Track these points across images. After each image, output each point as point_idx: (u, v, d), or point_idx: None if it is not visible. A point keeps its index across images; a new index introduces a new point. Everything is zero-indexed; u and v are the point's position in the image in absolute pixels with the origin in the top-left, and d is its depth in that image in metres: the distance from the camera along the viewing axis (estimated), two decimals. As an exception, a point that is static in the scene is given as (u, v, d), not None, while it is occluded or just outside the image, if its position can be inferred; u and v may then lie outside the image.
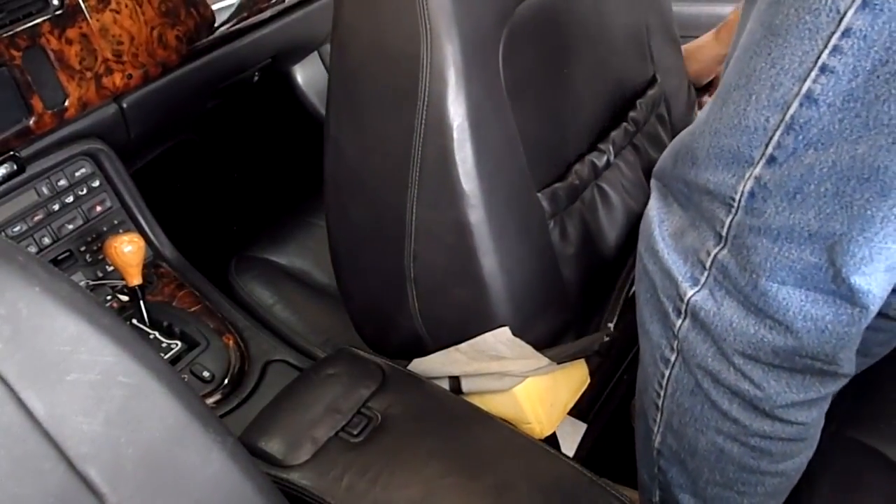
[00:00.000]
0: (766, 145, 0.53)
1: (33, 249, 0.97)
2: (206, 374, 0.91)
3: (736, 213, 0.57)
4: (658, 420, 0.73)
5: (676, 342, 0.66)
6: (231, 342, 0.96)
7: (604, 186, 0.89)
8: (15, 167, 0.91)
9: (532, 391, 0.84)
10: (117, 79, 0.98)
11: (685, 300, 0.63)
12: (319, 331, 1.02)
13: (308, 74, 1.58)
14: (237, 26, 1.11)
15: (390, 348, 0.87)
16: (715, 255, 0.60)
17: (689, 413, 0.69)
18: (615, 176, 0.91)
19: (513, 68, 0.73)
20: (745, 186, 0.55)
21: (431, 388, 0.76)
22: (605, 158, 0.89)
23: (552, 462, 0.67)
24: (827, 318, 0.56)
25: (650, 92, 0.99)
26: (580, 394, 0.92)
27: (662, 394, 0.71)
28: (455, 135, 0.69)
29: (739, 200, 0.56)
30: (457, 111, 0.68)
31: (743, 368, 0.62)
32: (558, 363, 0.81)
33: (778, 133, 0.52)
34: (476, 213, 0.72)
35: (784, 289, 0.56)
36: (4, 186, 0.92)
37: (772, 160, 0.53)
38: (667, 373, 0.69)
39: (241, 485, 0.45)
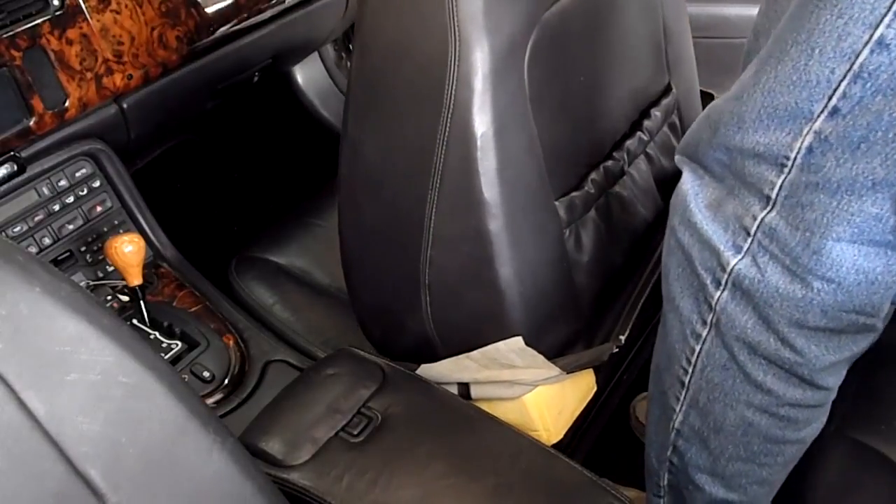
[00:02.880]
0: (829, 97, 0.53)
1: (34, 250, 0.97)
2: (206, 374, 0.92)
3: (789, 172, 0.57)
4: (682, 398, 0.73)
5: (712, 315, 0.66)
6: (231, 342, 0.96)
7: (617, 195, 0.89)
8: (15, 167, 0.91)
9: (541, 399, 0.83)
10: (118, 79, 0.98)
11: (727, 269, 0.62)
12: (319, 331, 1.02)
13: (308, 74, 1.58)
14: (237, 26, 1.11)
15: (398, 350, 0.86)
16: (762, 220, 0.60)
17: (718, 388, 0.69)
18: (628, 185, 0.91)
19: (536, 75, 0.72)
20: (802, 143, 0.55)
21: (432, 389, 0.75)
22: (619, 167, 0.89)
23: (552, 462, 0.67)
24: (878, 270, 0.57)
25: (665, 101, 0.98)
26: (587, 401, 0.92)
27: (690, 370, 0.70)
28: (479, 143, 0.68)
29: (795, 158, 0.56)
30: (482, 120, 0.67)
31: (787, 336, 0.62)
32: (568, 373, 0.81)
33: (844, 83, 0.52)
34: (495, 222, 0.71)
35: (838, 245, 0.57)
36: (5, 187, 0.92)
37: (834, 112, 0.53)
38: (697, 348, 0.68)
39: (241, 485, 0.45)
